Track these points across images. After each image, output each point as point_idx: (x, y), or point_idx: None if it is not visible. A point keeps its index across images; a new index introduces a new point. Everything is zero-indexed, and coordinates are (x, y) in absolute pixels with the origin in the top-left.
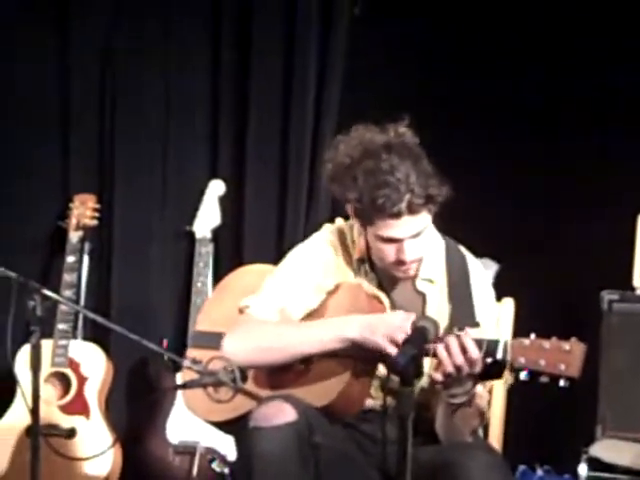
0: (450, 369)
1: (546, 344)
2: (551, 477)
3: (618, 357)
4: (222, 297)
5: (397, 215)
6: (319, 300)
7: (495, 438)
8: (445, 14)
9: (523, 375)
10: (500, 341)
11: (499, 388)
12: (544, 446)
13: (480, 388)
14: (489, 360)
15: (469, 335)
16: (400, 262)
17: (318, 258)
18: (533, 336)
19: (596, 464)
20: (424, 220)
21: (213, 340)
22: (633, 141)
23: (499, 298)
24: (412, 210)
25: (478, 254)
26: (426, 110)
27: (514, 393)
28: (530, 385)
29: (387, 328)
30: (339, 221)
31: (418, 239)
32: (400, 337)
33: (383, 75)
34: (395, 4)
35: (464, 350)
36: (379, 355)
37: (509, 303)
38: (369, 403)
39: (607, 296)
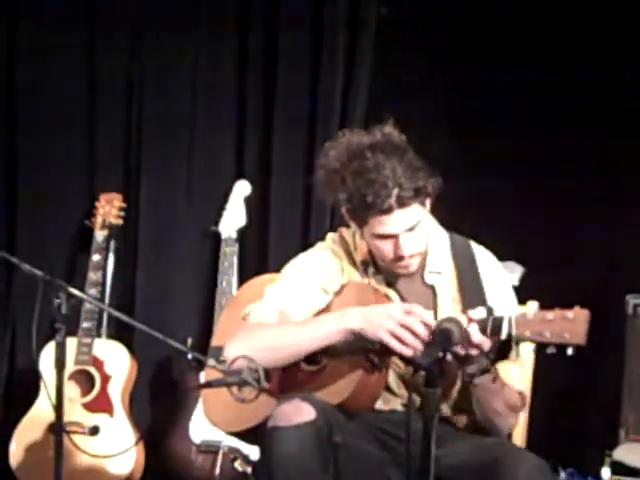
0: (459, 352)
1: (549, 315)
2: None
3: None
4: (234, 311)
5: (388, 210)
6: (325, 301)
7: (519, 440)
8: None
9: (529, 348)
10: (504, 317)
11: (522, 382)
12: (567, 449)
13: (516, 369)
14: (498, 337)
15: (470, 316)
16: (399, 258)
17: (321, 262)
18: (536, 308)
19: (619, 468)
20: (417, 213)
21: None
22: None
23: (524, 301)
24: (402, 204)
25: (504, 257)
26: (454, 118)
27: (537, 395)
28: (554, 387)
29: (388, 321)
30: (342, 229)
31: (414, 233)
32: (403, 334)
33: (411, 79)
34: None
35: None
36: (389, 349)
37: (534, 306)
38: (391, 399)
39: (632, 300)
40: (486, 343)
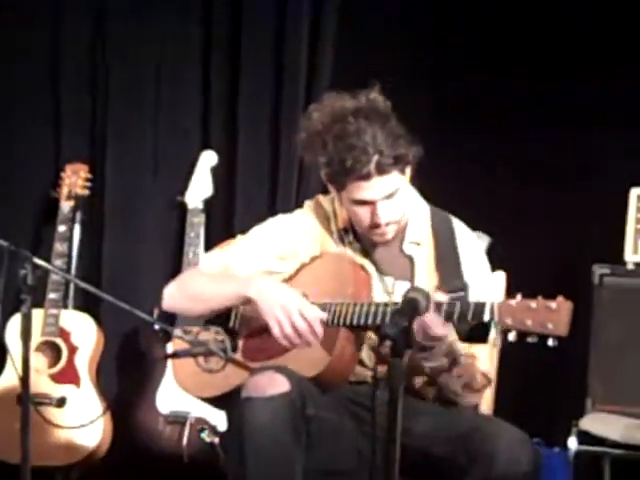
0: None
1: (533, 304)
2: (541, 450)
3: (608, 331)
4: None
5: (367, 177)
6: (288, 268)
7: (486, 411)
8: None
9: (511, 336)
10: (487, 303)
11: (488, 362)
12: (534, 419)
13: (484, 350)
14: (480, 321)
15: (434, 306)
16: (375, 225)
17: (291, 228)
18: (519, 296)
19: (586, 437)
20: (396, 181)
21: (201, 321)
22: (630, 116)
23: (491, 271)
24: (381, 171)
25: (470, 227)
26: (422, 81)
27: (504, 365)
28: (520, 358)
29: (280, 312)
30: (319, 196)
31: (392, 201)
32: (287, 328)
33: (378, 39)
34: None
35: (425, 327)
36: (368, 325)
37: (501, 276)
38: (362, 372)
39: (598, 270)
40: (448, 335)
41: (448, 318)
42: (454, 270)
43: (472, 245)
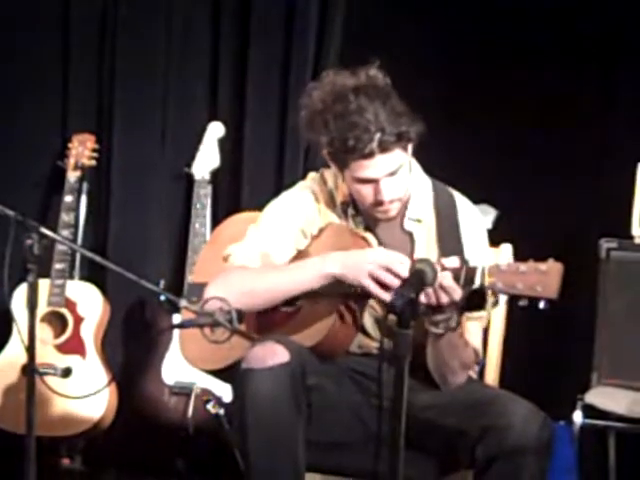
0: (430, 299)
1: (523, 267)
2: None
3: (615, 305)
4: (215, 247)
5: (369, 155)
6: (304, 244)
7: (491, 384)
8: None
9: (501, 300)
10: (477, 267)
11: (495, 333)
12: (539, 392)
13: (476, 325)
14: (471, 287)
15: (443, 264)
16: (378, 202)
17: (300, 204)
18: (510, 259)
19: (591, 411)
20: (398, 158)
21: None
22: (637, 88)
23: (497, 244)
24: (384, 149)
25: (477, 200)
26: (426, 57)
27: (510, 339)
28: (526, 331)
29: (370, 265)
30: (324, 170)
31: (395, 178)
32: (384, 276)
33: (385, 15)
34: None
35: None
36: (367, 293)
37: (507, 249)
38: (368, 344)
39: (605, 244)
40: (457, 291)
41: None
42: (455, 247)
43: (474, 223)
